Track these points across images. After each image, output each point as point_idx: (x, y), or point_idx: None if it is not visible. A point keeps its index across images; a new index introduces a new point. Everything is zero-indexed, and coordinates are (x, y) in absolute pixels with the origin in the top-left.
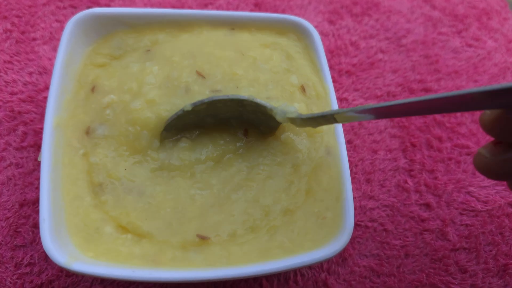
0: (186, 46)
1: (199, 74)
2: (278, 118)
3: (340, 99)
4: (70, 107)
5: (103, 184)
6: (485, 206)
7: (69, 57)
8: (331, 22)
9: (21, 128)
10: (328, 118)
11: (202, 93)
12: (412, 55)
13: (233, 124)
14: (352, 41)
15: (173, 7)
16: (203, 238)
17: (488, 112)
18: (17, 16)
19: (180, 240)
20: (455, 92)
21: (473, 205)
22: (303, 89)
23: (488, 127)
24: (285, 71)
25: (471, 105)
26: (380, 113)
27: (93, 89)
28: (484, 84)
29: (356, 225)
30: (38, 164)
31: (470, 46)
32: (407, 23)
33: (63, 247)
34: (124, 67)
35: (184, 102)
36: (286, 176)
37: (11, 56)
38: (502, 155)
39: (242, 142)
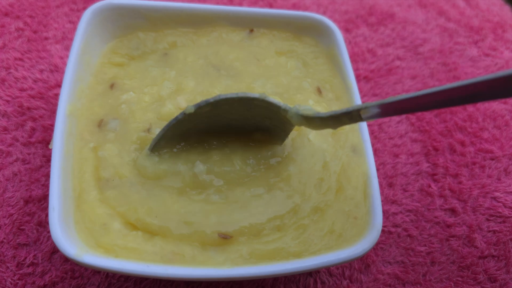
0: (202, 50)
1: (213, 66)
2: (293, 120)
3: None
4: (85, 99)
5: (109, 179)
6: None
7: (86, 47)
8: (347, 30)
9: (30, 124)
10: (352, 115)
11: (219, 76)
12: (430, 62)
13: (240, 132)
14: (369, 48)
15: None
16: (225, 237)
17: None
18: (30, 16)
19: (198, 239)
20: (473, 79)
21: (500, 210)
22: (319, 91)
23: None
24: (299, 77)
25: (488, 94)
26: (412, 104)
27: (112, 86)
28: None
29: None
30: (45, 161)
31: (487, 55)
32: (423, 33)
33: (72, 240)
34: (143, 70)
35: (210, 86)
36: (316, 173)
37: (22, 54)
38: None
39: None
